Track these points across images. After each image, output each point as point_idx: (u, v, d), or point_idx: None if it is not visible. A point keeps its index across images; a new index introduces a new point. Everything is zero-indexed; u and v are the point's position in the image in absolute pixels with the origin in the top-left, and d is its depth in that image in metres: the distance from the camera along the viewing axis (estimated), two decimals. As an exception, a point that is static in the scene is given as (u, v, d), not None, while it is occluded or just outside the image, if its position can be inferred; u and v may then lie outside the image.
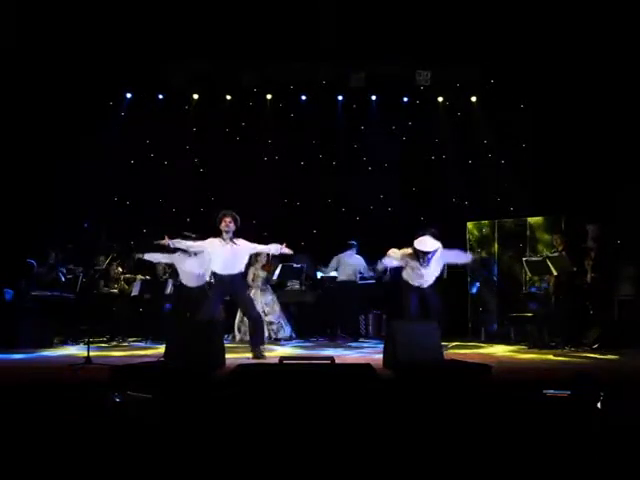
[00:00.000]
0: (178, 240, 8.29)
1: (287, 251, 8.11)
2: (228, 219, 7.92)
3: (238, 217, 8.06)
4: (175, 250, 8.91)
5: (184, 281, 9.62)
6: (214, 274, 8.26)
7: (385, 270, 9.28)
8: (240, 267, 8.05)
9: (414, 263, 8.16)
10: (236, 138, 12.65)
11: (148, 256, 9.51)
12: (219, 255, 7.94)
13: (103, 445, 3.58)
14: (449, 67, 11.98)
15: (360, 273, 11.01)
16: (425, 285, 8.26)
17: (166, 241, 8.18)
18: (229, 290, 8.16)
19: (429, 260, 8.05)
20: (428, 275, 8.22)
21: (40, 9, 10.15)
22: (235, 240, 7.95)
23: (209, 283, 9.35)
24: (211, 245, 8.00)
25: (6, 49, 10.25)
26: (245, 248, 8.03)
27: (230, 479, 3.22)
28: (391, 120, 12.64)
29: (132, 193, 12.27)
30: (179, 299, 9.91)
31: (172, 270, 10.37)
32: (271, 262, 10.67)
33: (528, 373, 6.81)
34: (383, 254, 8.52)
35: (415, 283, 8.26)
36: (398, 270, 8.60)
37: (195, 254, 8.98)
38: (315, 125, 12.69)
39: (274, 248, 8.16)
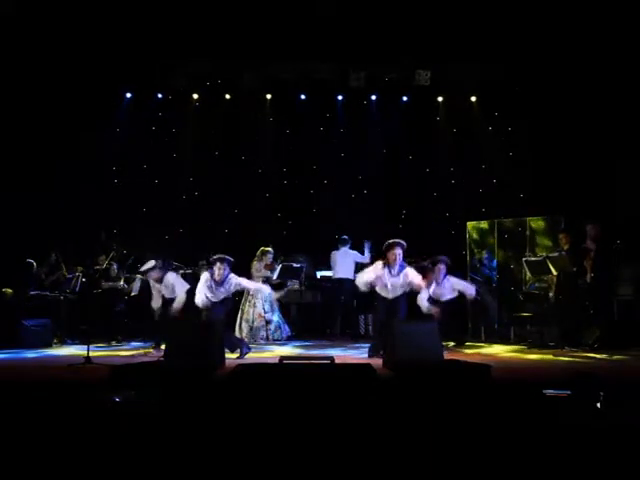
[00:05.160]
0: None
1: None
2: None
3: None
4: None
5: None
6: None
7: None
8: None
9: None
10: (236, 137, 12.64)
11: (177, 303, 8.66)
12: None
13: (102, 444, 3.58)
14: (449, 67, 11.97)
15: (357, 272, 10.96)
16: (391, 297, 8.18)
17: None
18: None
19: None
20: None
21: (41, 10, 10.12)
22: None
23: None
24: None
25: (6, 50, 10.25)
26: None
27: (231, 478, 3.22)
28: (391, 119, 12.63)
29: (133, 193, 12.24)
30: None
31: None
32: (273, 263, 10.74)
33: (528, 373, 6.82)
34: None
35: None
36: None
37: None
38: (315, 125, 12.70)
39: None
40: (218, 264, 8.08)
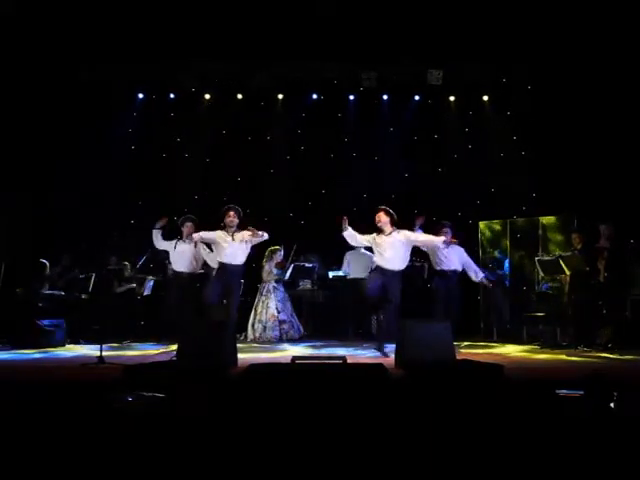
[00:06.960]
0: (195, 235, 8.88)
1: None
2: (232, 213, 8.68)
3: (241, 211, 8.81)
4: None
5: (177, 267, 9.39)
6: (219, 263, 8.68)
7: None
8: (241, 259, 8.66)
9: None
10: (247, 138, 12.67)
11: (155, 232, 9.39)
12: (225, 246, 8.60)
13: (115, 444, 3.59)
14: (461, 66, 11.94)
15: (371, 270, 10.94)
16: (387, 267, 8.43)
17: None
18: (227, 279, 8.53)
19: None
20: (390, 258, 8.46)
21: (44, 10, 10.14)
22: (236, 232, 8.65)
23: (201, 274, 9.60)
24: (219, 237, 8.67)
25: (11, 48, 10.29)
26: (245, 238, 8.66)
27: (242, 478, 3.23)
28: (402, 119, 12.61)
29: (145, 192, 12.27)
30: (173, 288, 9.76)
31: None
32: (285, 260, 10.75)
33: (541, 373, 6.80)
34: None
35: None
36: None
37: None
38: (326, 125, 12.70)
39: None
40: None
